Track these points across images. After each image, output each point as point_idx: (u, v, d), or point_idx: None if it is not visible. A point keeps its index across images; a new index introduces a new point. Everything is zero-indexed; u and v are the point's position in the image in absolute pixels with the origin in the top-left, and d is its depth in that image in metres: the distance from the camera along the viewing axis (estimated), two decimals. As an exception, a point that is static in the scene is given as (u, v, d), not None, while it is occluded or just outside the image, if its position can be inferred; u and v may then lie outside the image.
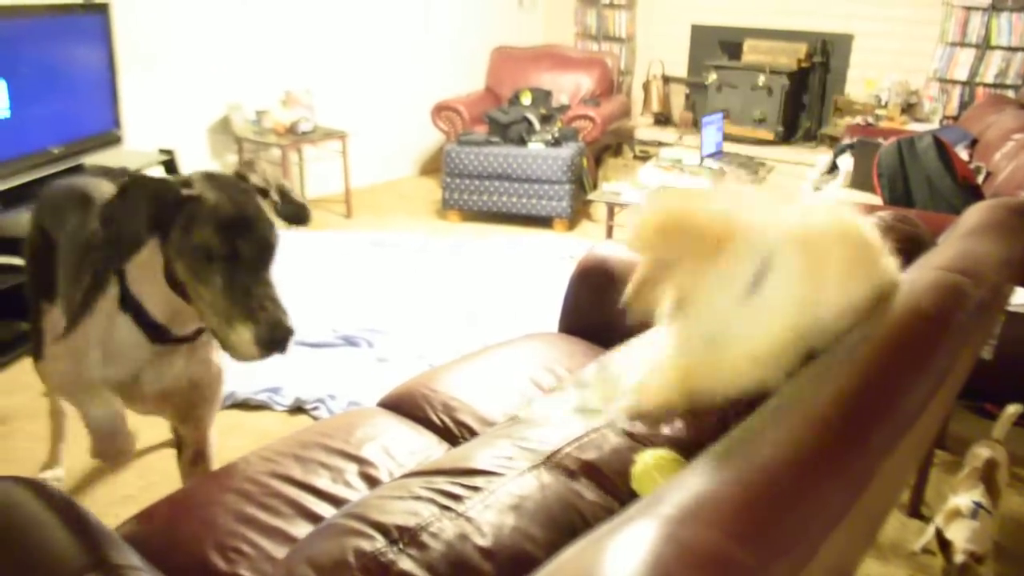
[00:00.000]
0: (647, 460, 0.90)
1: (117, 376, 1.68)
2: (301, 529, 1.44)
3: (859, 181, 3.75)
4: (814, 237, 1.05)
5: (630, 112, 6.72)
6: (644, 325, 2.11)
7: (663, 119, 6.83)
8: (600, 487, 0.88)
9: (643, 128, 6.78)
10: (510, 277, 4.32)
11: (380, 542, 0.77)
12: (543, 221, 5.25)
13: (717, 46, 6.51)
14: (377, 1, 5.80)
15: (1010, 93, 5.21)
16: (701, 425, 1.02)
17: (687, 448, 0.97)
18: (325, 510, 1.50)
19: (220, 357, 1.83)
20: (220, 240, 1.39)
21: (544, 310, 3.87)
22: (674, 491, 0.74)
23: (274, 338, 1.40)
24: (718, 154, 5.14)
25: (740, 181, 4.47)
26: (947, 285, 1.16)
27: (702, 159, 5.00)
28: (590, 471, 0.89)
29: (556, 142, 5.25)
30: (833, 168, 4.12)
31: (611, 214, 4.35)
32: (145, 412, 1.83)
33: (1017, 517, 2.48)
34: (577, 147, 5.29)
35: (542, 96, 5.89)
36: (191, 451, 1.90)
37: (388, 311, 3.77)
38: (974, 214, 1.77)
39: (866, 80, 5.90)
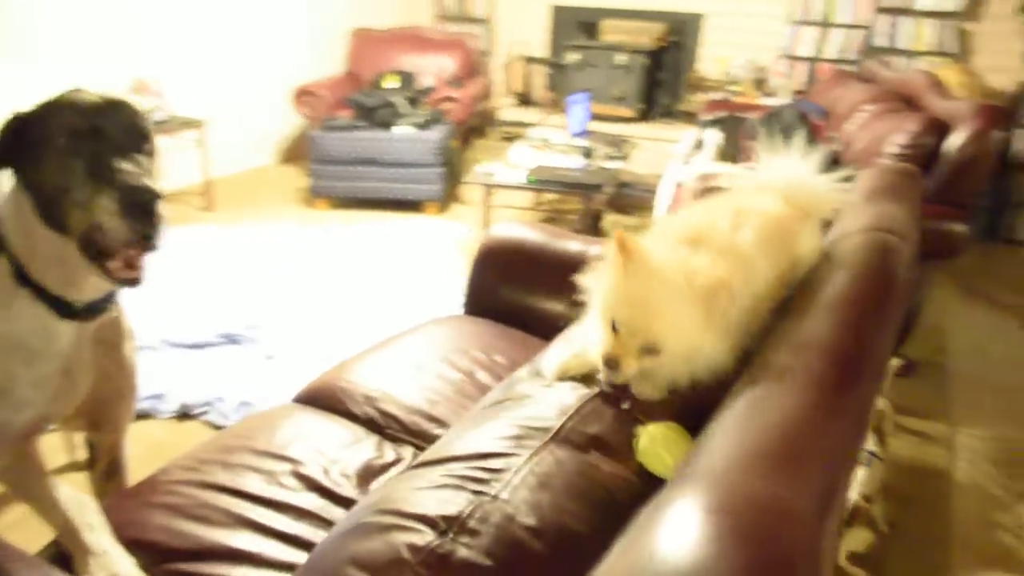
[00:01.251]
0: (652, 435, 0.90)
1: (49, 380, 1.45)
2: (243, 540, 1.36)
3: (728, 154, 3.90)
4: (753, 252, 1.10)
5: (492, 93, 6.72)
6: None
7: (525, 99, 6.89)
8: (611, 458, 0.87)
9: (506, 109, 6.82)
10: (388, 263, 4.24)
11: (430, 535, 0.73)
12: (414, 205, 5.18)
13: (576, 26, 6.61)
14: (227, -18, 5.52)
15: (850, 68, 5.56)
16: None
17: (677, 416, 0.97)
18: (264, 515, 1.41)
19: (132, 348, 1.67)
20: (80, 120, 1.27)
21: (427, 294, 3.84)
22: (706, 457, 0.74)
23: (136, 200, 1.23)
24: (585, 132, 5.23)
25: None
26: (882, 245, 1.22)
27: (571, 137, 5.08)
28: (598, 444, 0.88)
29: (424, 125, 5.18)
30: (700, 142, 4.26)
31: (487, 195, 4.33)
32: (61, 422, 1.63)
33: (898, 460, 2.66)
34: (445, 129, 5.24)
35: (406, 79, 5.80)
36: (105, 462, 1.74)
37: (268, 305, 3.61)
38: (867, 179, 1.88)
39: (718, 58, 6.15)
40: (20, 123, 1.31)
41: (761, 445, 0.75)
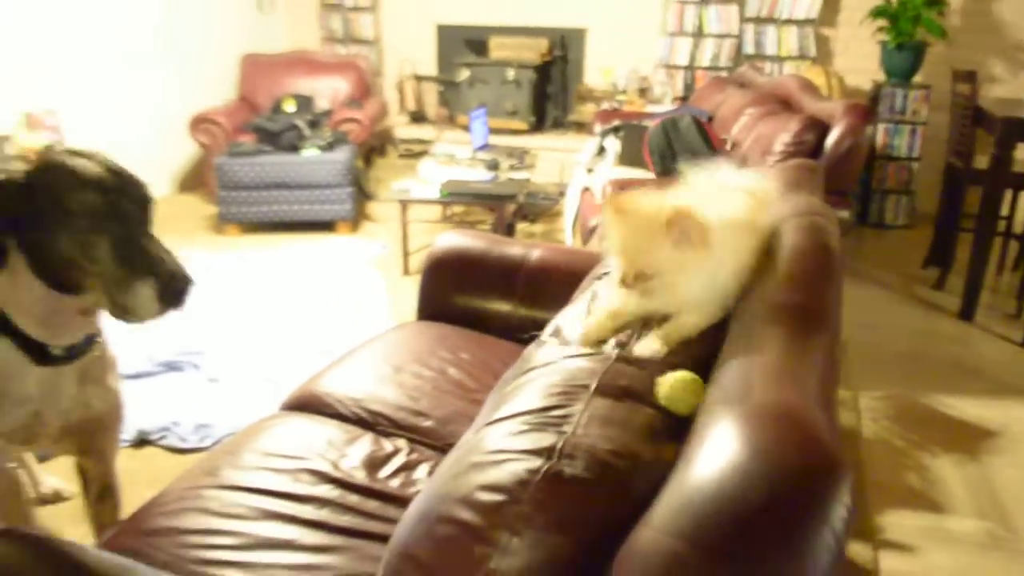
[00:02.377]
0: (673, 383, 1.10)
1: (15, 420, 1.57)
2: (277, 529, 1.48)
3: (629, 159, 4.19)
4: (736, 223, 1.33)
5: (388, 112, 6.86)
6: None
7: (419, 117, 7.05)
8: (643, 404, 1.07)
9: (401, 127, 6.96)
10: (309, 282, 4.33)
11: (539, 461, 0.91)
12: (326, 225, 5.27)
13: (464, 44, 6.83)
14: (114, 14, 5.46)
15: (724, 74, 6.00)
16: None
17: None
18: (289, 507, 1.54)
19: (116, 378, 1.77)
20: (102, 200, 1.34)
21: (352, 309, 3.95)
22: (726, 388, 0.95)
23: (176, 289, 1.38)
24: (486, 146, 5.44)
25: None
26: (819, 226, 1.47)
27: (474, 151, 5.29)
28: (630, 393, 1.08)
29: (329, 146, 5.28)
30: (601, 150, 4.54)
31: (404, 211, 4.47)
32: (45, 451, 1.72)
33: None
34: (350, 150, 5.36)
35: (305, 102, 5.87)
36: (97, 486, 1.81)
37: (200, 332, 3.64)
38: (779, 174, 2.15)
39: (602, 69, 6.49)
40: (17, 188, 1.36)
41: (766, 374, 0.97)
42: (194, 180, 6.15)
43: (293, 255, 4.76)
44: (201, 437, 2.81)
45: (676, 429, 1.06)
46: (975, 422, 3.09)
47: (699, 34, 6.15)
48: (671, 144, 3.82)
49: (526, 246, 2.56)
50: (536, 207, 5.62)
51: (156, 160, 5.91)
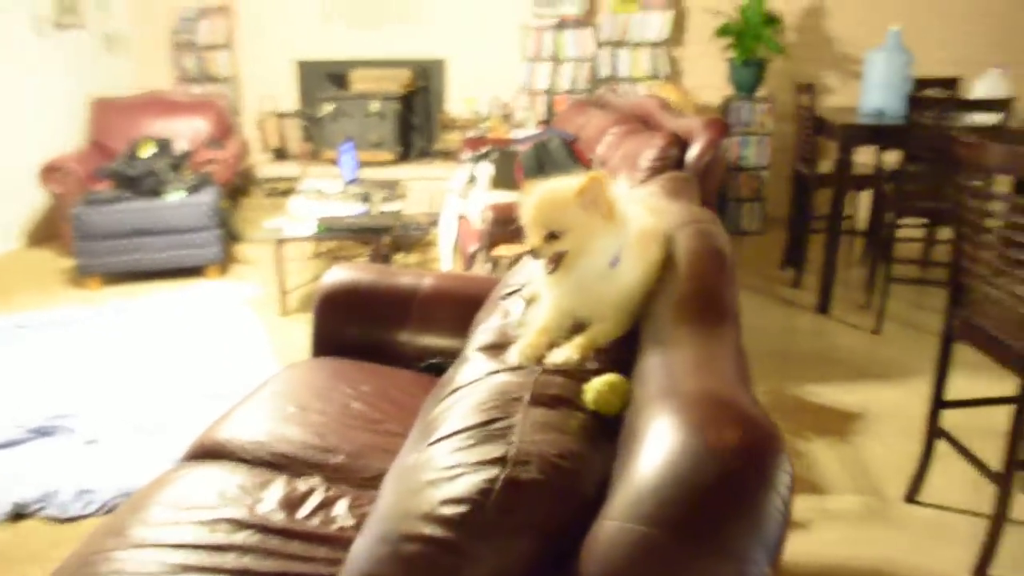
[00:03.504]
0: (599, 387, 1.15)
1: None
2: None
3: (503, 183, 4.28)
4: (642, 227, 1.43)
5: (250, 151, 6.72)
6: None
7: (282, 154, 6.94)
8: (574, 409, 1.13)
9: (264, 165, 6.84)
10: (181, 331, 4.18)
11: (495, 470, 0.94)
12: (195, 271, 5.10)
13: (325, 78, 6.79)
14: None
15: (583, 97, 6.22)
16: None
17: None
18: (210, 559, 1.50)
19: None
20: None
21: (229, 354, 3.85)
22: (657, 386, 1.02)
23: None
24: (356, 180, 5.42)
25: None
26: (710, 231, 1.57)
27: (345, 185, 5.26)
28: (561, 400, 1.13)
29: (193, 189, 5.13)
30: (472, 177, 4.62)
31: (279, 249, 4.39)
32: None
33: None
34: (215, 191, 5.22)
35: (163, 145, 5.67)
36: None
37: (69, 392, 3.46)
38: (658, 185, 2.27)
39: (465, 98, 6.60)
40: None
41: (687, 367, 1.05)
42: (46, 232, 5.82)
43: (162, 304, 4.58)
44: (85, 504, 2.66)
45: (608, 429, 1.12)
46: (840, 407, 3.33)
47: (557, 59, 6.36)
48: (543, 166, 3.94)
49: (417, 275, 2.59)
50: (409, 237, 5.64)
51: (3, 213, 5.57)
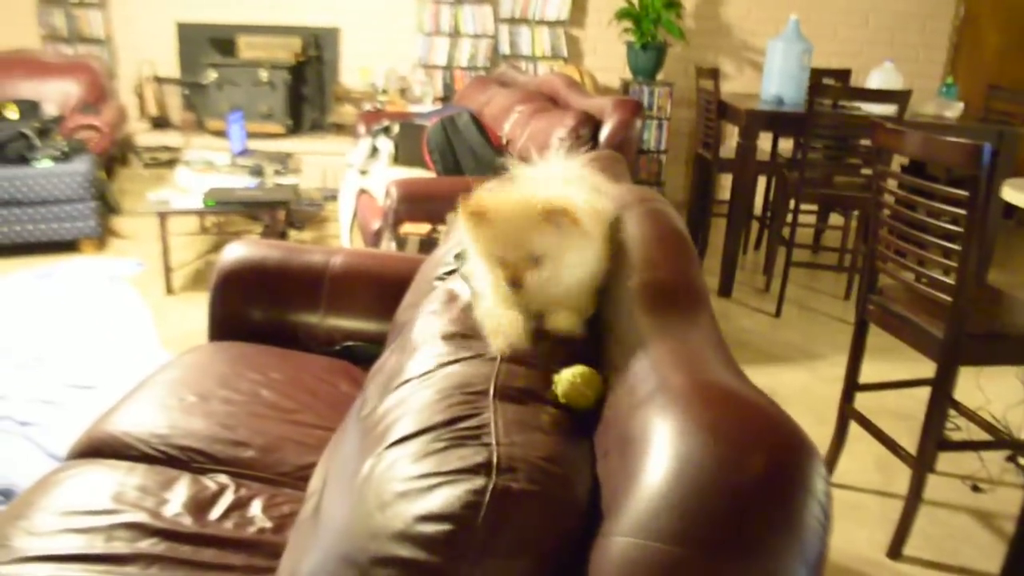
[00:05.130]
0: (571, 379, 1.05)
1: None
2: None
3: (407, 159, 4.11)
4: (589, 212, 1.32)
5: (127, 118, 6.27)
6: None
7: (162, 123, 6.52)
8: (542, 403, 1.02)
9: (143, 134, 6.40)
10: (57, 311, 3.83)
11: (480, 479, 0.80)
12: (68, 245, 4.71)
13: (209, 44, 6.39)
14: None
15: (482, 74, 6.09)
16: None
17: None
18: (117, 572, 1.32)
19: None
20: None
21: (115, 335, 3.57)
22: (644, 381, 0.93)
23: None
24: (246, 151, 5.14)
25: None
26: (662, 211, 1.49)
27: (233, 157, 4.97)
28: (530, 394, 1.02)
29: (65, 156, 4.72)
30: (374, 151, 4.43)
31: (164, 224, 4.09)
32: None
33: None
34: (90, 160, 4.82)
35: (30, 108, 5.22)
36: None
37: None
38: (590, 162, 2.18)
39: (360, 69, 6.35)
40: None
41: (675, 361, 0.96)
42: None
43: (31, 281, 4.19)
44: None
45: (580, 425, 1.02)
46: (749, 390, 3.35)
47: (456, 34, 6.19)
48: (451, 143, 3.80)
49: (327, 252, 2.42)
50: (303, 213, 5.40)
51: None
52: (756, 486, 0.73)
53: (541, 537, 0.80)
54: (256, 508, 1.56)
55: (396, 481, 0.86)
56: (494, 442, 0.87)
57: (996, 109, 4.74)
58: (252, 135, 5.95)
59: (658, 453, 0.79)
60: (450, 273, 1.57)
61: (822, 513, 0.74)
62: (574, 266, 1.24)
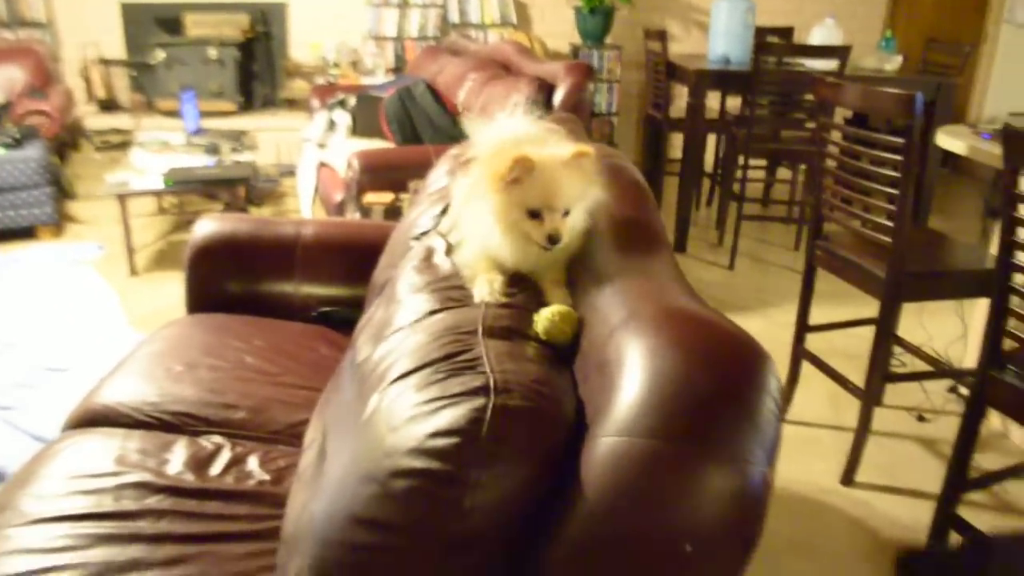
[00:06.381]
0: (551, 316, 1.15)
1: None
2: (113, 553, 1.34)
3: (365, 131, 4.17)
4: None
5: (75, 102, 6.20)
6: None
7: (110, 105, 6.46)
8: (527, 339, 1.13)
9: (91, 117, 6.34)
10: (19, 298, 3.84)
11: (481, 399, 0.91)
12: (25, 232, 4.68)
13: (154, 23, 6.32)
14: None
15: (433, 43, 6.12)
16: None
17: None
18: (122, 527, 1.40)
19: None
20: None
21: (81, 318, 3.60)
22: (616, 312, 1.04)
23: None
24: (200, 130, 5.13)
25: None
26: (622, 165, 1.60)
27: (188, 136, 4.97)
28: (514, 332, 1.13)
29: (17, 143, 4.68)
30: (332, 124, 4.46)
31: (124, 206, 4.10)
32: None
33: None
34: (42, 145, 4.78)
35: (-25, 94, 5.14)
36: None
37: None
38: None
39: (310, 44, 6.34)
40: None
41: (643, 292, 1.08)
42: None
43: (-7, 269, 4.18)
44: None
45: (561, 358, 1.13)
46: (707, 340, 3.50)
47: (404, 4, 6.21)
48: (409, 112, 3.86)
49: (296, 224, 2.49)
50: (261, 189, 5.42)
51: None
52: (719, 386, 0.86)
53: (537, 445, 0.91)
54: (253, 463, 1.65)
55: (404, 408, 0.96)
56: (489, 370, 0.97)
57: (934, 61, 4.92)
58: (204, 114, 5.91)
59: (633, 368, 0.90)
60: (426, 233, 1.66)
61: (775, 406, 0.87)
62: (584, 210, 1.34)
